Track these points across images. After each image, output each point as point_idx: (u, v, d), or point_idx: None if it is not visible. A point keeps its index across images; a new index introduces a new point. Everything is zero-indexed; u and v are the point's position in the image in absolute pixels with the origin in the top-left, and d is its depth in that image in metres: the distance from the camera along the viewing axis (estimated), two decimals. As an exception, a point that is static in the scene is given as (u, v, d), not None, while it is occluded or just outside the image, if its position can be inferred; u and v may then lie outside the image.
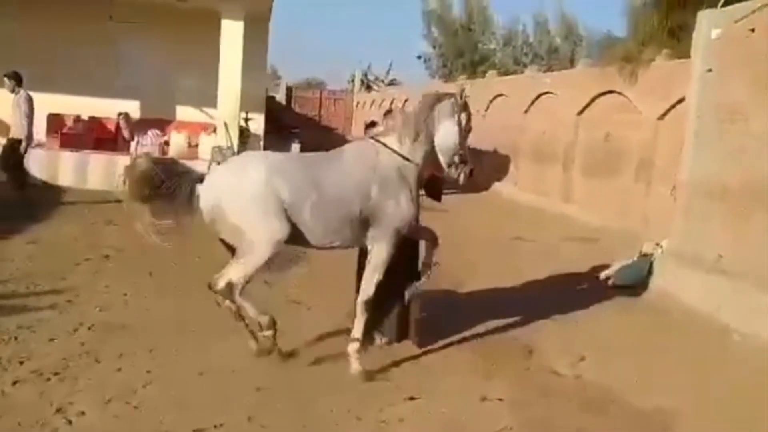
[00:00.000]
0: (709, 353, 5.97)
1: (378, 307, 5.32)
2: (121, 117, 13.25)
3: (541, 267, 8.61)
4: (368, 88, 42.82)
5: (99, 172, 11.71)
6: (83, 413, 4.01)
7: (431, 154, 5.03)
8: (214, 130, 12.46)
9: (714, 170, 7.32)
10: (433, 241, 5.30)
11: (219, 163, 11.26)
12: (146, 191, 4.51)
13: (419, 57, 37.84)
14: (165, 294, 6.42)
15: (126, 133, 13.13)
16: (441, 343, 5.61)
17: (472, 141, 16.63)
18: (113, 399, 4.19)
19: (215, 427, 3.95)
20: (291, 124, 36.26)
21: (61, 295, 6.14)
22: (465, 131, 5.07)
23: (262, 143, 14.28)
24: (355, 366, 4.81)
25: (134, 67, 14.03)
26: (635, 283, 7.93)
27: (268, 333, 4.79)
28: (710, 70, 7.41)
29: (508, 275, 8.01)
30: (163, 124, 13.62)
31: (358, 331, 4.91)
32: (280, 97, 40.34)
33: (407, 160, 4.92)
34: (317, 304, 6.43)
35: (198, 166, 11.55)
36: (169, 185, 4.53)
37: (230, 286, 4.60)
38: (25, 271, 6.78)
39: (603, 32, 17.30)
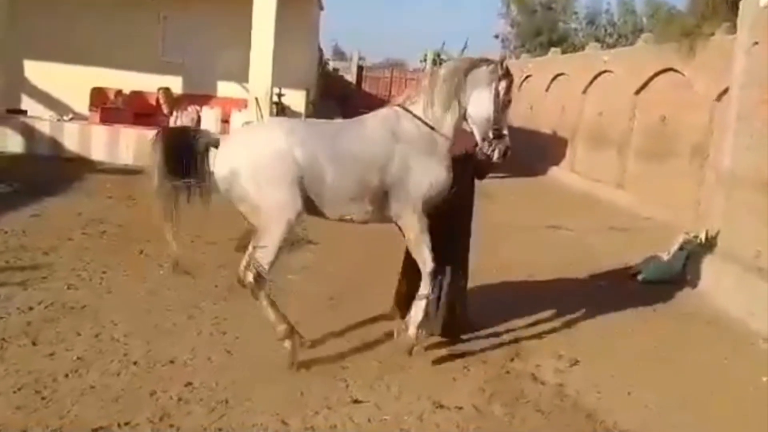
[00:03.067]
0: (726, 365, 5.25)
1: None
2: (160, 92, 13.11)
3: (567, 258, 7.98)
4: (441, 67, 41.94)
5: (131, 146, 11.63)
6: (-14, 402, 3.72)
7: (464, 126, 4.59)
8: (246, 106, 12.17)
9: (756, 158, 6.49)
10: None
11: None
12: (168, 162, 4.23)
13: (496, 36, 36.93)
14: (147, 274, 6.13)
15: (165, 108, 12.98)
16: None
17: (532, 123, 16.05)
18: (25, 387, 3.89)
19: (119, 425, 3.59)
20: (360, 105, 36.02)
21: (37, 270, 5.94)
22: (503, 103, 4.52)
23: (303, 121, 13.95)
24: (410, 332, 4.55)
25: (177, 41, 13.91)
26: (667, 279, 7.19)
27: (286, 345, 4.43)
28: (757, 43, 6.55)
29: (526, 266, 7.39)
30: (204, 99, 13.43)
31: (423, 294, 4.57)
32: (351, 77, 40.04)
33: (432, 128, 4.47)
34: (304, 291, 6.02)
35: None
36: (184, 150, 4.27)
37: (258, 278, 4.29)
38: (14, 245, 6.62)
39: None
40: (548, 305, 6.08)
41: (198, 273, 6.19)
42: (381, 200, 4.45)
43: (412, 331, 4.57)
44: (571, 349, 5.20)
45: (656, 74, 11.78)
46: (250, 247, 4.60)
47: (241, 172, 4.21)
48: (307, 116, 14.65)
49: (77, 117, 12.97)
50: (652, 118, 11.87)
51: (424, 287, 4.59)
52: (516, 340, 5.29)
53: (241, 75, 12.93)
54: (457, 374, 4.61)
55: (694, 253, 7.18)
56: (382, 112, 4.71)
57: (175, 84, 13.71)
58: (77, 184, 9.90)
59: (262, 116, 11.70)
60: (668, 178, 11.08)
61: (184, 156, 4.27)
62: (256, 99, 11.77)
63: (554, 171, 16.13)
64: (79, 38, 13.53)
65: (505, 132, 4.55)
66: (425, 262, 4.55)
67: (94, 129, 12.02)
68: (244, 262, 4.44)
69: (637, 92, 12.43)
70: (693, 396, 4.61)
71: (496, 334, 5.37)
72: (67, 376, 4.08)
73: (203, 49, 13.71)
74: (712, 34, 9.98)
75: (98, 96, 13.30)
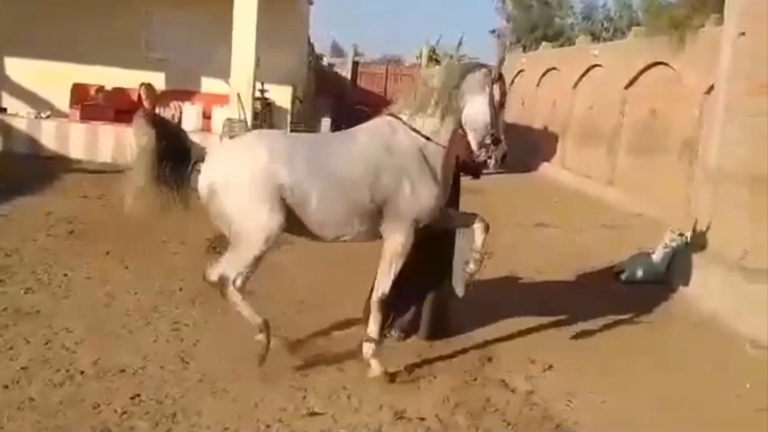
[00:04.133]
0: (709, 371, 5.03)
1: (404, 303, 4.91)
2: (142, 88, 12.87)
3: (550, 258, 7.76)
4: (437, 63, 41.64)
5: (110, 144, 11.41)
6: None
7: (459, 133, 4.41)
8: (228, 102, 11.93)
9: (744, 152, 6.27)
10: (481, 227, 4.62)
11: (231, 137, 10.82)
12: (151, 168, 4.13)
13: (493, 31, 36.74)
14: (110, 277, 5.90)
15: (147, 105, 12.75)
16: (386, 345, 4.89)
17: (524, 118, 15.95)
18: (-42, 401, 3.68)
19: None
20: (355, 101, 35.70)
21: (-5, 274, 5.72)
22: (498, 108, 4.35)
23: (288, 117, 13.76)
24: (374, 367, 4.31)
25: (161, 37, 13.70)
26: (652, 278, 6.97)
27: (260, 337, 4.23)
28: (743, 34, 6.33)
29: (506, 266, 7.16)
30: (187, 95, 13.22)
31: (373, 330, 4.39)
32: (346, 73, 39.73)
33: (428, 139, 4.29)
34: (272, 293, 5.75)
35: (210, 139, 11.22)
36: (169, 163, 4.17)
37: (223, 280, 4.14)
38: (-25, 247, 6.40)
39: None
40: (525, 307, 5.87)
41: (164, 275, 6.06)
42: (375, 218, 4.28)
43: (374, 368, 4.36)
44: (545, 354, 4.97)
45: (646, 68, 11.57)
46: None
47: (219, 187, 4.07)
48: (294, 113, 14.45)
49: (59, 114, 12.76)
50: (642, 112, 11.67)
51: (373, 326, 4.38)
52: (489, 344, 5.06)
53: (225, 71, 12.70)
54: (423, 382, 4.38)
55: (680, 251, 6.97)
56: (375, 123, 4.51)
57: (159, 80, 13.50)
58: (52, 183, 9.66)
59: (244, 112, 11.49)
60: (659, 174, 10.87)
61: (173, 160, 4.16)
62: (238, 95, 11.55)
63: (545, 167, 15.92)
64: (60, 34, 13.26)
65: (502, 137, 4.39)
66: (382, 289, 4.38)
67: (72, 126, 11.79)
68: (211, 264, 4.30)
69: (627, 86, 12.22)
70: (670, 404, 4.40)
71: (469, 338, 5.14)
72: (7, 387, 3.86)
73: (187, 44, 13.44)
74: (702, 25, 9.76)
75: (79, 93, 13.04)
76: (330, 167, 4.17)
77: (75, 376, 4.07)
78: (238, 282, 4.17)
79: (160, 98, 12.82)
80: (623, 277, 7.09)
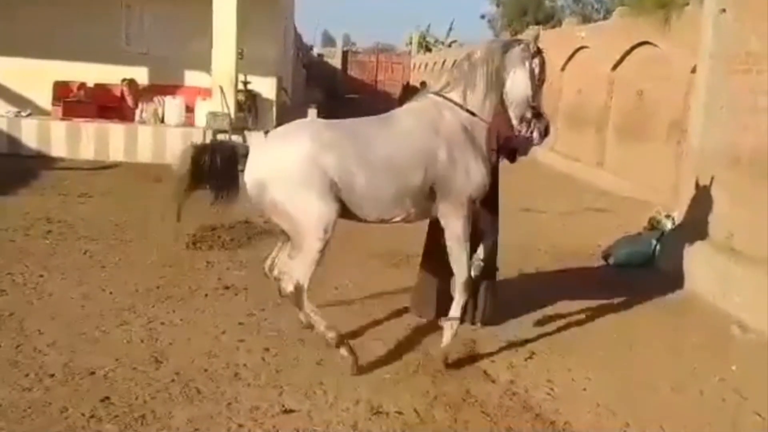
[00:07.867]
0: (694, 353, 4.95)
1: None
2: (124, 83, 12.77)
3: (535, 243, 7.68)
4: (427, 49, 41.42)
5: (91, 141, 11.28)
6: None
7: (501, 109, 4.38)
8: (211, 95, 11.79)
9: (726, 132, 6.17)
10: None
11: (214, 131, 10.73)
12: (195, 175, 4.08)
13: (483, 17, 36.81)
14: (86, 277, 5.79)
15: (129, 100, 12.64)
16: (362, 335, 4.82)
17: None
18: None
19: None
20: (345, 90, 35.61)
21: (-31, 276, 5.61)
22: (538, 82, 4.35)
23: (274, 108, 13.62)
24: (445, 342, 4.44)
25: (142, 31, 13.55)
26: (638, 261, 6.89)
27: (342, 352, 4.21)
28: (724, 11, 6.22)
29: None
30: (171, 89, 13.06)
31: (456, 311, 4.46)
32: (336, 62, 39.60)
33: (474, 115, 4.27)
34: (250, 288, 5.69)
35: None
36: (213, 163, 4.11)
37: (298, 289, 4.08)
38: (-51, 250, 6.30)
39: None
40: (509, 293, 5.73)
41: (142, 274, 5.96)
42: (426, 200, 4.26)
43: (444, 350, 4.43)
44: (529, 341, 4.91)
45: (632, 48, 11.45)
46: (282, 255, 4.50)
47: (268, 182, 4.02)
48: (280, 103, 14.33)
49: (41, 112, 12.61)
50: (630, 94, 11.56)
51: (456, 307, 4.45)
52: (471, 333, 4.97)
53: (208, 63, 12.57)
54: (403, 375, 4.29)
55: (666, 234, 6.89)
56: (420, 103, 4.47)
57: (141, 75, 13.39)
58: (31, 182, 9.52)
59: (227, 105, 11.36)
60: (647, 156, 10.78)
61: (214, 165, 4.10)
62: (221, 87, 11.41)
63: (535, 150, 15.76)
64: (40, 31, 13.07)
65: (543, 111, 4.41)
66: (462, 272, 4.42)
67: (53, 124, 11.62)
68: (276, 271, 4.41)
69: (614, 68, 12.11)
70: (652, 390, 4.32)
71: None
72: (-34, 394, 3.77)
73: (169, 37, 13.28)
74: (687, 3, 9.65)
75: (61, 90, 12.84)
76: (377, 151, 4.14)
77: (44, 379, 3.97)
78: (307, 283, 4.11)
79: (143, 93, 12.74)
80: (610, 260, 7.00)
